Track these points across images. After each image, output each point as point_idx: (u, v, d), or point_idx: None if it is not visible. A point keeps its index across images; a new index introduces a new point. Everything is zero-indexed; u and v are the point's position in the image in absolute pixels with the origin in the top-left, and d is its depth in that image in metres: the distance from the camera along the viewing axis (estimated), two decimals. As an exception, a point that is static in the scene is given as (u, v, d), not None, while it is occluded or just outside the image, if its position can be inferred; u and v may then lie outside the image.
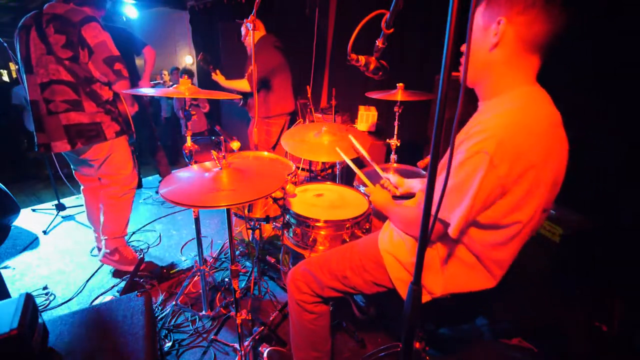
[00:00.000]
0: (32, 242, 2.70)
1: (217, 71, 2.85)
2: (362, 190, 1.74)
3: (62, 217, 3.12)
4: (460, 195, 0.84)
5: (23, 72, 1.85)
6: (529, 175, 0.83)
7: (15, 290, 2.14)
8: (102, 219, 2.16)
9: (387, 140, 2.17)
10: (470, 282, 1.03)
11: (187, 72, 4.82)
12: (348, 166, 1.61)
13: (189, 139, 1.61)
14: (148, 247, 2.63)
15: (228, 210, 1.30)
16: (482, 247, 0.96)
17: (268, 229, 2.23)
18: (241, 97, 3.15)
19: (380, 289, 1.20)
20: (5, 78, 6.99)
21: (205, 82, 4.63)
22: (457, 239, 0.96)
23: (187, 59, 5.90)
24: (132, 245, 2.65)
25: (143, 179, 3.95)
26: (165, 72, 4.13)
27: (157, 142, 3.71)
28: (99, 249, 2.30)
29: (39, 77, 1.82)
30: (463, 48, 0.78)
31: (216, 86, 4.38)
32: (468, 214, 0.84)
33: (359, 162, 1.57)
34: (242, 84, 2.82)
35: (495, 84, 0.91)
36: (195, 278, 2.07)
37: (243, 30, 2.90)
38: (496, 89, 0.91)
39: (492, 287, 1.02)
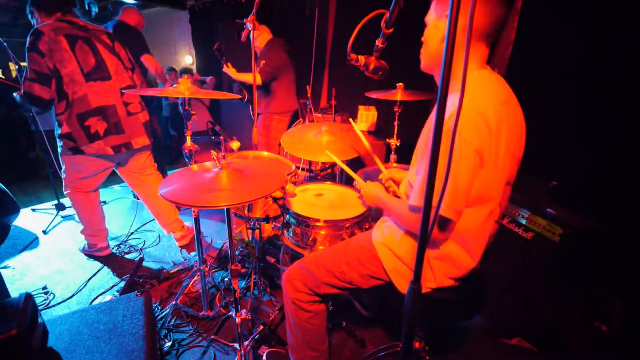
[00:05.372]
0: (32, 242, 2.70)
1: (229, 64, 2.88)
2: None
3: (62, 217, 3.12)
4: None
5: (88, 79, 1.97)
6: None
7: (15, 290, 2.14)
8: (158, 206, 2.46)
9: (387, 140, 2.17)
10: (455, 269, 1.07)
11: (188, 72, 4.83)
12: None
13: (189, 139, 1.61)
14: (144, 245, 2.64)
15: (228, 210, 1.30)
16: (464, 230, 1.00)
17: (268, 229, 2.23)
18: (245, 94, 3.19)
19: (376, 282, 1.21)
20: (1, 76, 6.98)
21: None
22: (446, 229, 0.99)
23: (187, 59, 5.89)
24: (132, 245, 2.66)
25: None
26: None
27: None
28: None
29: (117, 83, 2.05)
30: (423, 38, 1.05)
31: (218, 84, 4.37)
32: (455, 189, 0.89)
33: (355, 164, 1.56)
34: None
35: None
36: (195, 278, 2.07)
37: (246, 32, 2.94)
38: (450, 75, 0.98)
39: (473, 266, 1.06)
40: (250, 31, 1.92)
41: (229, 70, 2.90)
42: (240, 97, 2.66)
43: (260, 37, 2.98)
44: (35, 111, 4.13)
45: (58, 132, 2.02)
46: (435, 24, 1.00)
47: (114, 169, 2.32)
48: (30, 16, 2.00)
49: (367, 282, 1.22)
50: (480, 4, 0.90)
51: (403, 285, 1.14)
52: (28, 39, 1.82)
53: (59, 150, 2.10)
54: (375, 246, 1.20)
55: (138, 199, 3.29)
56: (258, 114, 3.16)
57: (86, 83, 1.94)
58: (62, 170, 2.19)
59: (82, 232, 2.40)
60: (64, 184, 2.23)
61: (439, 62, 0.97)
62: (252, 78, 2.83)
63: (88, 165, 2.13)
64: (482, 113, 0.87)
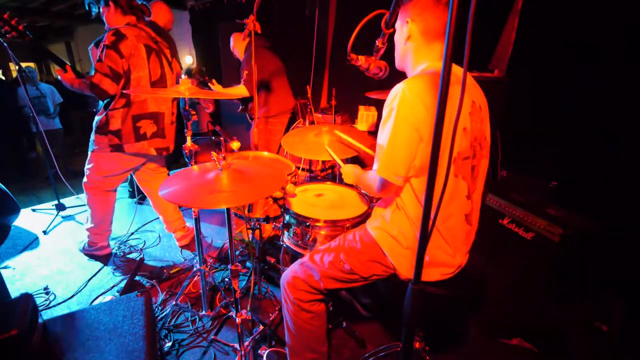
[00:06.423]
0: (32, 242, 2.70)
1: (213, 80, 2.86)
2: (362, 191, 1.75)
3: (62, 217, 3.12)
4: (384, 145, 1.07)
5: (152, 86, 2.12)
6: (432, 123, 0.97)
7: (15, 290, 2.14)
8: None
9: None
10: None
11: (194, 72, 4.69)
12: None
13: (189, 139, 1.61)
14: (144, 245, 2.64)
15: (228, 210, 1.30)
16: (421, 195, 1.10)
17: (268, 229, 2.23)
18: (239, 102, 3.16)
19: (377, 268, 1.22)
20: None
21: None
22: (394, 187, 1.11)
23: (187, 59, 5.90)
24: (132, 245, 2.66)
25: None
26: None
27: None
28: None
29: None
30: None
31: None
32: (390, 155, 1.05)
33: (355, 163, 1.58)
34: (240, 90, 2.83)
35: (412, 66, 1.18)
36: (195, 278, 2.07)
37: (232, 40, 2.94)
38: (413, 68, 1.18)
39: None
40: (250, 31, 1.93)
41: (215, 87, 2.86)
42: (241, 98, 2.66)
43: (239, 44, 2.91)
44: (50, 109, 4.21)
45: (106, 128, 2.06)
46: (400, 29, 1.17)
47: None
48: (102, 5, 2.03)
49: (368, 269, 1.23)
50: (432, 10, 1.07)
51: (404, 266, 1.17)
52: (107, 36, 1.91)
53: (92, 147, 2.14)
54: (371, 231, 1.23)
55: (140, 199, 3.30)
56: (253, 118, 3.16)
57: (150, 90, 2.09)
58: (87, 167, 2.21)
59: (88, 230, 2.39)
60: (84, 180, 2.24)
61: (406, 59, 1.20)
62: (241, 88, 2.84)
63: (121, 163, 2.20)
64: (420, 95, 1.01)
